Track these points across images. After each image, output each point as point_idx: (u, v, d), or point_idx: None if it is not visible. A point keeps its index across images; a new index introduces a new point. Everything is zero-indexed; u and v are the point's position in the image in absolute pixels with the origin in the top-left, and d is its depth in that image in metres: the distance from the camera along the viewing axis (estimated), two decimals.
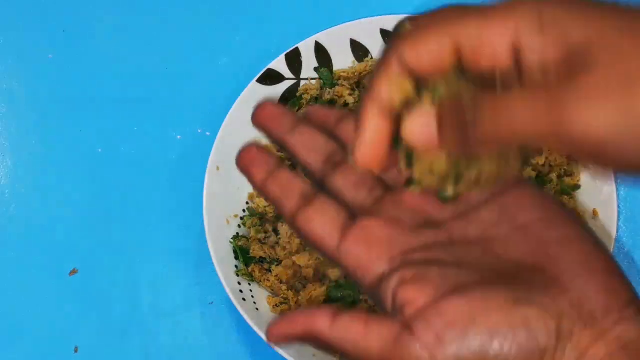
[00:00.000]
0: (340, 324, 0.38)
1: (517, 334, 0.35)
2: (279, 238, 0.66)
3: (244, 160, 0.42)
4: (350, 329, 0.37)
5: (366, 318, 0.38)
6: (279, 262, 0.66)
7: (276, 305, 0.64)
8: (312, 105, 0.45)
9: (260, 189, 0.42)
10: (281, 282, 0.65)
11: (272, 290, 0.65)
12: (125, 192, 0.71)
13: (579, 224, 0.39)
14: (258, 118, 0.43)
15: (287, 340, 0.39)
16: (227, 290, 0.61)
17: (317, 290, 0.64)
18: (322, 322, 0.38)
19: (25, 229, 0.70)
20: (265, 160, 0.42)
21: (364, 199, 0.41)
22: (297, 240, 0.65)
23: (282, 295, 0.65)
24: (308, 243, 0.41)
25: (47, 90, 0.75)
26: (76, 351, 0.67)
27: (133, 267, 0.69)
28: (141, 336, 0.67)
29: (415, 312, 0.37)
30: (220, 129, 0.66)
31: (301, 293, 0.64)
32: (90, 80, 0.75)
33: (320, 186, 0.42)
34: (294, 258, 0.64)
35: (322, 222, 0.40)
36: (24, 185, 0.72)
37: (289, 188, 0.41)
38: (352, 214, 0.40)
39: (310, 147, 0.42)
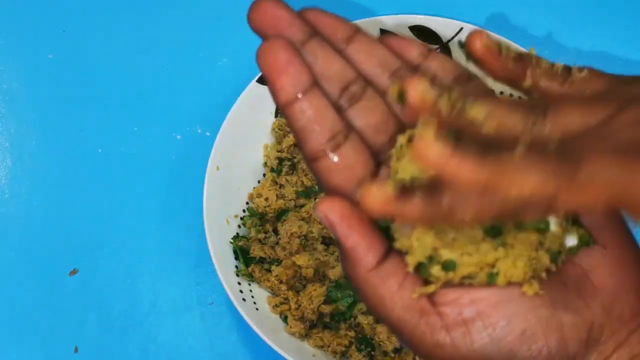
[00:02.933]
0: (380, 272, 0.35)
1: (549, 340, 0.34)
2: (279, 238, 0.66)
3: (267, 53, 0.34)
4: (385, 283, 0.35)
5: (404, 274, 0.35)
6: (279, 262, 0.66)
7: (276, 305, 0.64)
8: (314, 8, 0.37)
9: (283, 108, 0.35)
10: (281, 282, 0.65)
11: (272, 290, 0.65)
12: (125, 192, 0.71)
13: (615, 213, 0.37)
14: (258, 18, 0.36)
15: (327, 226, 0.35)
16: (227, 290, 0.61)
17: (317, 290, 0.64)
18: (367, 260, 0.34)
19: (25, 229, 0.70)
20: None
21: (382, 144, 0.36)
22: (297, 240, 0.65)
23: (282, 295, 0.65)
24: (325, 188, 0.36)
25: (47, 90, 0.74)
26: (76, 351, 0.67)
27: (133, 267, 0.69)
28: (141, 336, 0.67)
29: (445, 291, 0.35)
30: (220, 129, 0.65)
31: (301, 293, 0.64)
32: (90, 80, 0.74)
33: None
34: (294, 258, 0.64)
35: (345, 176, 0.35)
36: (24, 185, 0.72)
37: (319, 118, 0.35)
38: (377, 162, 0.36)
39: (324, 73, 0.36)
